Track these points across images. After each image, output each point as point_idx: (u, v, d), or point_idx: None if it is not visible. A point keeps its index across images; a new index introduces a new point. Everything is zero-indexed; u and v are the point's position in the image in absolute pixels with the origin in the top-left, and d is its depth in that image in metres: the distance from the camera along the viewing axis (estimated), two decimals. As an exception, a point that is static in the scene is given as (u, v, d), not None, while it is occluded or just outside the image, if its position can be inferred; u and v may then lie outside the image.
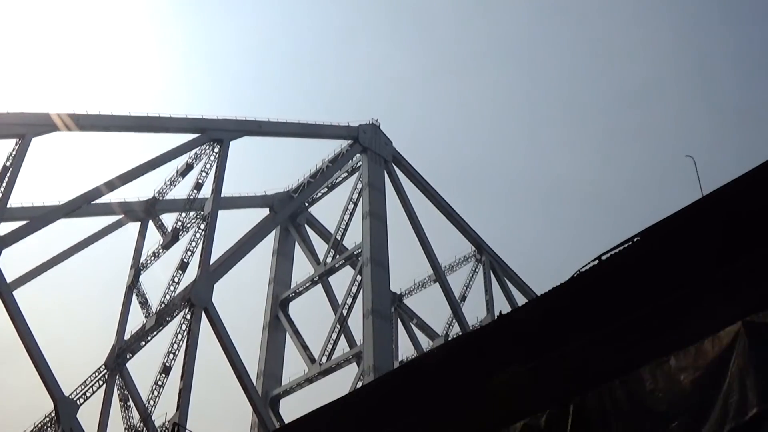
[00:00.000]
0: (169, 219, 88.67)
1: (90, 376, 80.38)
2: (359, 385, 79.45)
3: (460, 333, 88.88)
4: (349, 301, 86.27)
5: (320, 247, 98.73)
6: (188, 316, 75.67)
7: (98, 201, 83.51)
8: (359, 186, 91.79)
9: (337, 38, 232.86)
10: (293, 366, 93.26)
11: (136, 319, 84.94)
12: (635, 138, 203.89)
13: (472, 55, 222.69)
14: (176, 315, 78.33)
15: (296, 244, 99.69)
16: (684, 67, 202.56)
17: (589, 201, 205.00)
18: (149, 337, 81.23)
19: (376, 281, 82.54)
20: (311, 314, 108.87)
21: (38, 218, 76.49)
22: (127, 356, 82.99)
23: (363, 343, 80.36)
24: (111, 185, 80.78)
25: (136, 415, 79.51)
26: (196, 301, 75.26)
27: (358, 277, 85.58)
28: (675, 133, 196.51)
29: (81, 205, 79.15)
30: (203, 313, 75.57)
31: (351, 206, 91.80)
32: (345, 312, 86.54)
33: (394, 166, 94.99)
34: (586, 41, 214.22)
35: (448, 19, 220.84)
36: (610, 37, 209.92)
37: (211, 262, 78.91)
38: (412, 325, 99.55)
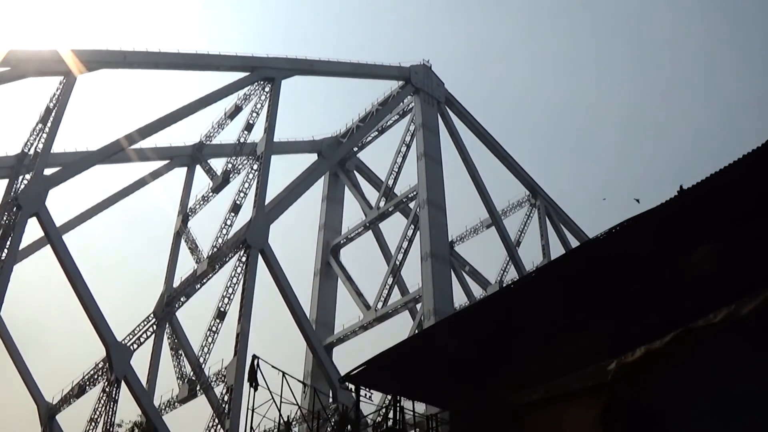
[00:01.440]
0: (217, 164, 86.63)
1: (138, 325, 77.39)
2: (417, 330, 77.40)
3: (515, 279, 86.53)
4: (405, 244, 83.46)
5: (370, 193, 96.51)
6: (244, 259, 73.03)
7: (143, 146, 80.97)
8: (412, 128, 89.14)
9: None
10: (344, 314, 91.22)
11: (186, 266, 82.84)
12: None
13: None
14: (230, 258, 75.76)
15: (346, 189, 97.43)
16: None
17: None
18: (201, 283, 78.55)
19: (433, 223, 79.83)
20: (363, 261, 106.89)
21: (72, 164, 73.17)
22: (176, 305, 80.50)
23: (422, 286, 77.44)
24: (154, 128, 77.67)
25: (188, 365, 77.00)
26: (252, 243, 72.60)
27: (415, 219, 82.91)
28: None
29: (117, 152, 75.73)
30: (259, 255, 73.05)
31: (404, 149, 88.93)
32: (401, 257, 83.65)
33: (447, 108, 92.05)
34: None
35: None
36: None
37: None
38: (464, 273, 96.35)
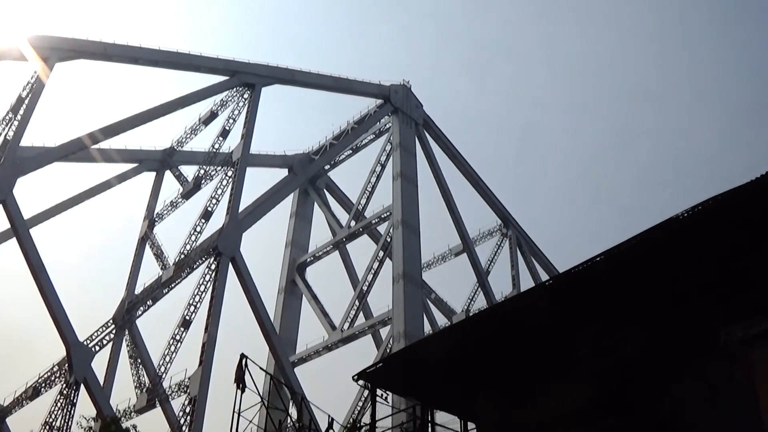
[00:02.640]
0: (187, 171, 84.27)
1: (97, 331, 74.44)
2: (385, 353, 75.47)
3: (485, 307, 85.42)
4: (375, 265, 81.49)
5: (339, 213, 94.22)
6: (213, 266, 70.59)
7: (112, 146, 78.55)
8: (388, 148, 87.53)
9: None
10: (307, 335, 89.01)
11: (149, 272, 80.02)
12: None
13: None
14: (199, 265, 73.29)
15: (315, 207, 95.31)
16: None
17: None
18: (168, 290, 75.86)
19: (407, 245, 77.96)
20: (329, 281, 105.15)
21: (28, 160, 70.12)
22: (137, 312, 77.63)
23: (393, 308, 75.32)
24: (123, 127, 75.28)
25: (147, 374, 74.03)
26: (223, 250, 70.37)
27: (386, 243, 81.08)
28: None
29: (78, 150, 73.14)
30: (230, 264, 70.75)
31: (378, 169, 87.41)
32: (370, 277, 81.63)
33: (424, 131, 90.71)
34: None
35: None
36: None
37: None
38: (429, 301, 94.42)
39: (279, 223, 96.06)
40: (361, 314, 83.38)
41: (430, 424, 30.18)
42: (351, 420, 41.87)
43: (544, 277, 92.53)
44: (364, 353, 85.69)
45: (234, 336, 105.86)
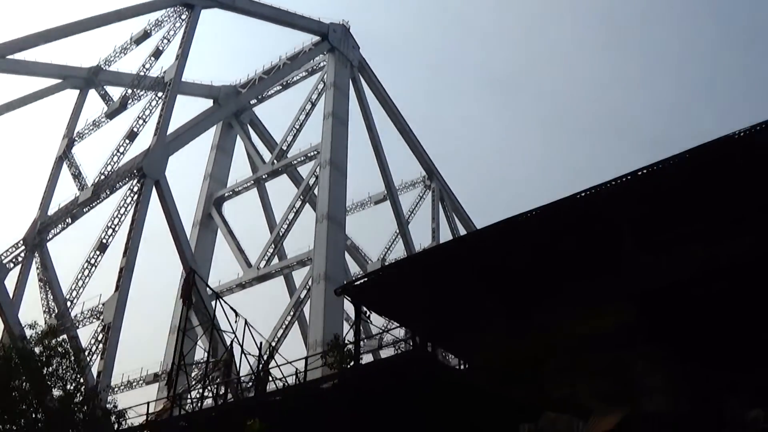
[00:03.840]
0: (113, 92, 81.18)
1: (4, 252, 71.24)
2: (303, 294, 74.37)
3: (404, 256, 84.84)
4: (297, 204, 79.86)
5: (263, 151, 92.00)
6: (136, 188, 68.22)
7: (37, 59, 75.30)
8: (320, 86, 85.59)
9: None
10: (221, 272, 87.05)
11: (67, 193, 77.10)
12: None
13: None
14: (119, 188, 70.79)
15: (237, 142, 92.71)
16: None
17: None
18: (82, 212, 73.14)
19: (334, 185, 76.35)
20: (247, 219, 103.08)
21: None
22: (50, 233, 74.67)
23: (314, 249, 73.78)
24: (51, 36, 72.44)
25: (60, 296, 71.14)
26: (148, 172, 68.11)
27: (311, 179, 79.54)
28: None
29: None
30: (154, 188, 68.49)
31: (308, 107, 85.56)
32: (292, 215, 79.95)
33: (359, 74, 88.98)
34: None
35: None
36: None
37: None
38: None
39: (201, 157, 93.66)
40: (281, 253, 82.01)
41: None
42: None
43: (463, 231, 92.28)
44: (282, 297, 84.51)
45: (147, 266, 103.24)
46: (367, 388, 28.11)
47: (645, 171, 25.22)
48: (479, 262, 28.42)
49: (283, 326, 73.15)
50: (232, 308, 43.36)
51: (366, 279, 32.01)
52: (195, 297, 43.14)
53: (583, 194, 26.07)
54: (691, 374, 22.79)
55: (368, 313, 32.33)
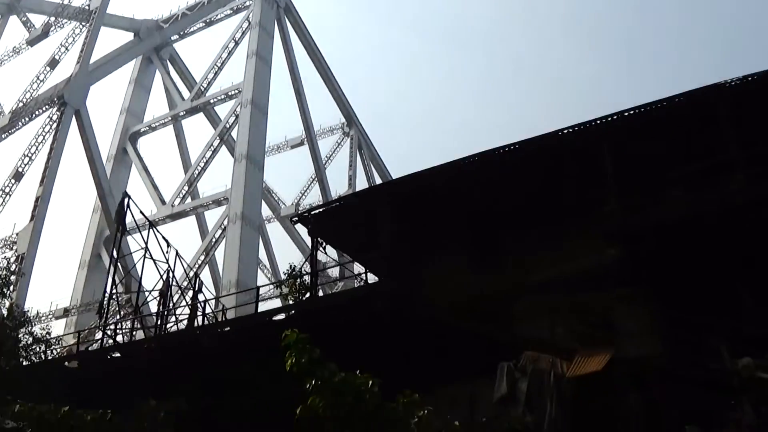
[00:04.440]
0: (35, 20, 78.49)
1: None
2: (218, 234, 73.48)
3: (319, 202, 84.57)
4: (216, 142, 78.71)
5: (182, 89, 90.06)
6: (56, 117, 66.33)
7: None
8: (245, 26, 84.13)
9: None
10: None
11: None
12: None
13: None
14: (38, 115, 68.72)
15: (156, 78, 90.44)
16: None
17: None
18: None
19: (254, 125, 75.24)
20: (164, 157, 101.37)
21: None
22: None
23: (231, 188, 72.81)
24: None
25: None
26: (69, 100, 66.34)
27: (231, 119, 78.37)
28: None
29: None
30: (74, 117, 66.71)
31: (231, 45, 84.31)
32: (209, 154, 78.78)
33: (285, 16, 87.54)
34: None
35: None
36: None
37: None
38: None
39: (118, 94, 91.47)
40: (197, 192, 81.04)
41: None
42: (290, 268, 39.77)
43: (379, 180, 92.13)
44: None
45: (59, 197, 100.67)
46: (327, 322, 27.56)
47: (633, 111, 25.44)
48: (450, 195, 28.22)
49: (196, 266, 72.07)
50: (164, 238, 42.56)
51: (324, 208, 31.46)
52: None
53: (567, 131, 26.14)
54: (672, 319, 22.92)
55: (324, 245, 31.94)
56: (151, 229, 41.81)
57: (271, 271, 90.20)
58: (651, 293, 24.17)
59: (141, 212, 44.74)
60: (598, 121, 26.08)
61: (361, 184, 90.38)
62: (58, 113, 66.36)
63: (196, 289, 41.95)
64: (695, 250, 24.01)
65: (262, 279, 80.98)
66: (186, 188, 79.14)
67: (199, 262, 72.78)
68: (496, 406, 23.23)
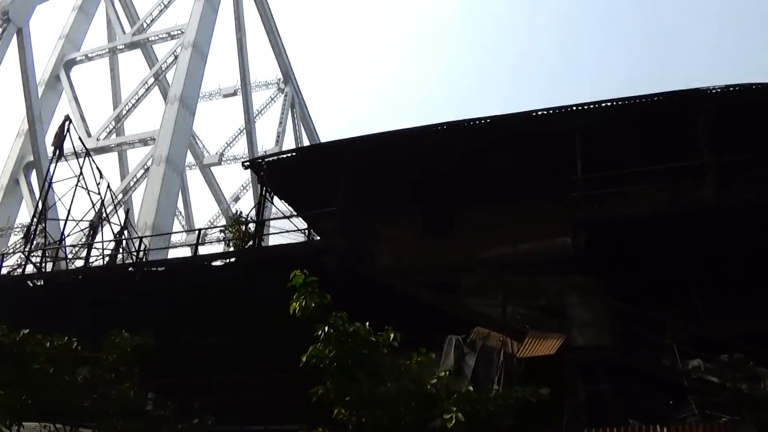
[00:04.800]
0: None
1: None
2: (140, 173, 72.33)
3: (245, 156, 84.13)
4: (150, 81, 77.32)
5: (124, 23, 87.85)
6: (-3, 33, 64.54)
7: None
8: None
9: None
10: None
11: None
12: None
13: None
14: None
15: (101, 7, 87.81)
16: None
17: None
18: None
19: (192, 68, 73.92)
20: (94, 89, 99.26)
21: None
22: None
23: (160, 129, 71.44)
24: None
25: None
26: (14, 17, 64.44)
27: (170, 59, 76.95)
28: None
29: None
30: (15, 35, 64.78)
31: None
32: (142, 91, 77.33)
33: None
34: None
35: None
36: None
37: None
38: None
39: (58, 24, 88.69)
40: (125, 129, 79.63)
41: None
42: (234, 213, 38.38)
43: (306, 142, 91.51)
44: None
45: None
46: (271, 273, 27.00)
47: (611, 104, 25.57)
48: (412, 161, 28.01)
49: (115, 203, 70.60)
50: (98, 168, 41.54)
51: (279, 157, 30.82)
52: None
53: (541, 113, 26.16)
54: (624, 313, 22.96)
55: (272, 195, 31.38)
56: (86, 158, 40.68)
57: (186, 219, 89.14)
58: (605, 285, 24.20)
59: (80, 139, 43.45)
60: (574, 108, 26.13)
61: (288, 142, 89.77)
62: (1, 30, 64.35)
63: (123, 225, 41.11)
64: (655, 248, 24.14)
65: (176, 226, 79.90)
66: (113, 124, 77.45)
67: (116, 199, 71.24)
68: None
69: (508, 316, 24.29)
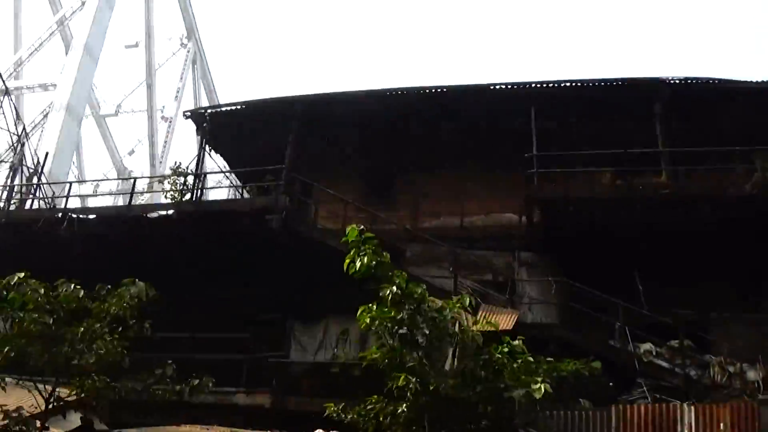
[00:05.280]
0: None
1: None
2: (38, 119, 70.06)
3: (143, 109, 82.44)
4: (55, 26, 74.57)
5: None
6: None
7: None
8: None
9: None
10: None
11: None
12: None
13: None
14: None
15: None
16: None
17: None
18: None
19: (99, 15, 71.13)
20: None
21: None
22: None
23: (62, 74, 68.88)
24: None
25: None
26: None
27: (76, 4, 74.15)
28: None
29: None
30: None
31: None
32: (48, 35, 74.53)
33: None
34: None
35: None
36: None
37: None
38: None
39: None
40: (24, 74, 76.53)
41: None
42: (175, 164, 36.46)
43: (205, 101, 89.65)
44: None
45: None
46: (211, 228, 26.24)
47: (570, 84, 25.69)
48: (358, 123, 27.75)
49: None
50: (17, 108, 39.97)
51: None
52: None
53: (498, 86, 26.19)
54: (574, 292, 23.08)
55: (210, 150, 30.57)
56: (5, 97, 39.04)
57: (78, 170, 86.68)
58: (556, 264, 24.30)
59: (1, 79, 41.48)
60: (533, 84, 26.19)
61: (186, 100, 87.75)
62: None
63: (39, 170, 39.64)
64: (605, 232, 24.27)
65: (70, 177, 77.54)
66: (13, 68, 74.48)
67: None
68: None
69: (458, 288, 24.04)
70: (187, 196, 28.85)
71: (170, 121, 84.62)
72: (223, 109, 29.68)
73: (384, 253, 14.49)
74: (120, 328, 16.45)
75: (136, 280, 17.05)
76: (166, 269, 25.26)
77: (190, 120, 30.17)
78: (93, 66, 71.06)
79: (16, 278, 15.62)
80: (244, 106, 28.99)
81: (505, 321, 21.81)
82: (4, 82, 41.06)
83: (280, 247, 24.75)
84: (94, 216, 28.73)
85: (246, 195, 31.07)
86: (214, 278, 26.15)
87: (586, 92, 25.93)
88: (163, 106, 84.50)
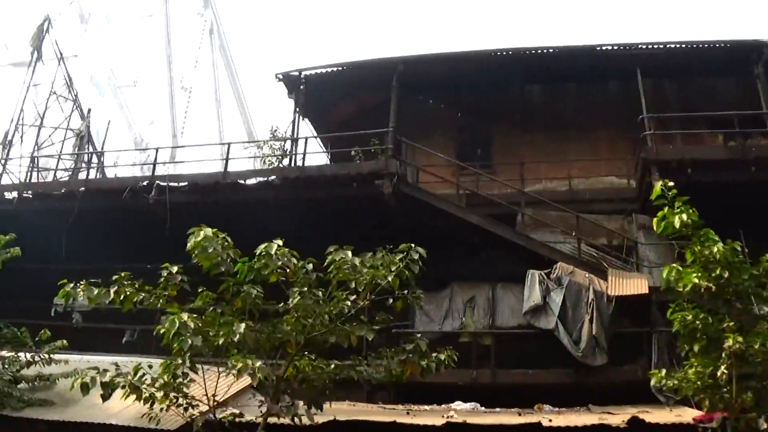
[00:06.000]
0: None
1: None
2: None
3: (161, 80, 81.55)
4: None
5: None
6: None
7: None
8: None
9: None
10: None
11: None
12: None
13: None
14: None
15: None
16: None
17: None
18: None
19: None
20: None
21: None
22: None
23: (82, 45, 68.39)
24: None
25: None
26: None
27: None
28: None
29: None
30: None
31: None
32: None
33: None
34: None
35: None
36: None
37: None
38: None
39: None
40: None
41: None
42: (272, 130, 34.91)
43: (223, 72, 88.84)
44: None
45: None
46: (314, 195, 25.59)
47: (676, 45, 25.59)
48: (461, 86, 27.66)
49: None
50: (69, 76, 39.41)
51: (319, 70, 29.02)
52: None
53: (606, 47, 26.00)
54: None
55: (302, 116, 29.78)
56: (61, 63, 38.36)
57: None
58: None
59: (56, 43, 40.52)
60: (640, 46, 26.03)
61: (204, 69, 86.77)
62: None
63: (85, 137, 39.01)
64: (716, 191, 23.97)
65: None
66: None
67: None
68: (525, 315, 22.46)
69: (581, 253, 23.85)
70: (285, 162, 28.28)
71: (190, 91, 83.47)
72: (320, 71, 28.70)
73: (694, 211, 13.75)
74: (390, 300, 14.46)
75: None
76: (262, 240, 24.69)
77: (280, 83, 29.13)
78: (113, 36, 70.74)
79: (275, 246, 13.65)
80: (342, 68, 28.27)
81: (638, 285, 21.63)
82: (60, 52, 39.61)
83: (390, 213, 24.33)
84: (185, 183, 27.52)
85: (331, 161, 30.33)
86: (316, 248, 25.57)
87: (682, 53, 25.68)
88: (182, 78, 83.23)
